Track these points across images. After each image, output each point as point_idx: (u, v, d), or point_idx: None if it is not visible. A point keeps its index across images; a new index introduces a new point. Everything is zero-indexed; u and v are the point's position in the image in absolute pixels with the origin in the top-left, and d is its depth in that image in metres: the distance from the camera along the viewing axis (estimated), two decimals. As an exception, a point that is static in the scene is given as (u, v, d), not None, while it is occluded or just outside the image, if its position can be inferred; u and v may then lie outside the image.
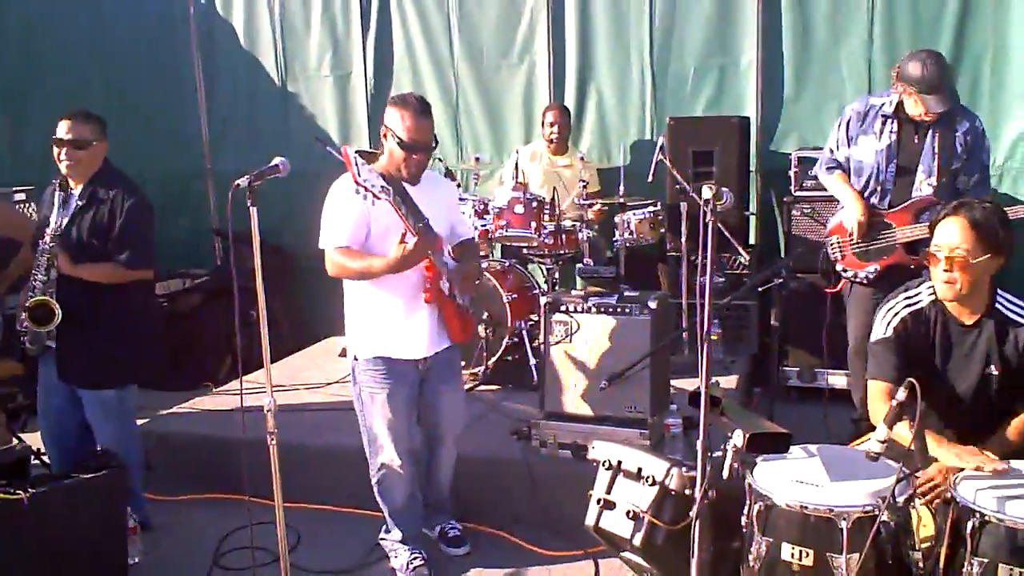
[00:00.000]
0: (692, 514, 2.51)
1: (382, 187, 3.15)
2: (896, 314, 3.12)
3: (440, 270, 3.41)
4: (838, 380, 5.20)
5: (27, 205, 5.98)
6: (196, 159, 7.24)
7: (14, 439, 4.28)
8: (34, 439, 4.29)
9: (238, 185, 2.85)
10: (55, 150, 3.82)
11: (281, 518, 2.99)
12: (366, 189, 3.12)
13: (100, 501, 3.69)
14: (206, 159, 7.24)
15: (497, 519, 4.07)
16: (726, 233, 4.87)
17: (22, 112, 7.27)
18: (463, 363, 5.11)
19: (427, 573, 3.67)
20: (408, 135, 3.28)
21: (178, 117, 7.24)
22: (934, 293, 3.06)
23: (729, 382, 5.07)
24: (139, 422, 4.82)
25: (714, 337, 5.40)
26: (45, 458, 4.18)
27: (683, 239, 5.34)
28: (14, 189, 6.12)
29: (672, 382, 4.43)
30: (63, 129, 3.82)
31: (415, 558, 3.69)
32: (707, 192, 2.59)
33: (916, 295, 3.13)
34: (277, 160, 2.98)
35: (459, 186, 5.81)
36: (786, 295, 5.37)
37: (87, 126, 3.86)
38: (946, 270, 2.93)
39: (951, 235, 2.93)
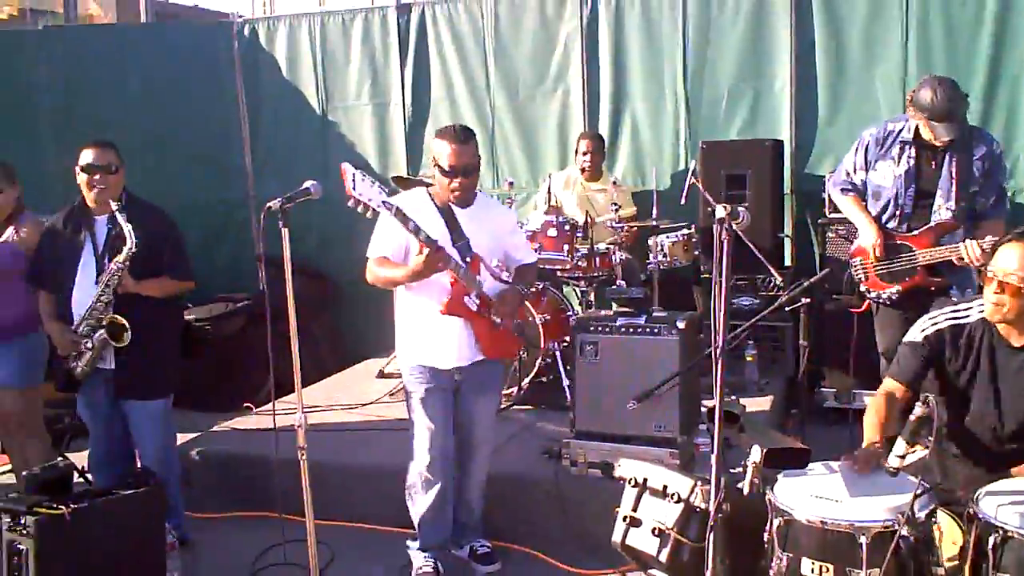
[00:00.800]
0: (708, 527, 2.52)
1: (383, 202, 3.26)
2: (936, 324, 3.11)
3: (466, 286, 3.53)
4: (875, 402, 5.15)
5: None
6: (240, 188, 7.42)
7: (59, 458, 4.43)
8: (79, 458, 4.42)
9: (270, 208, 2.95)
10: (84, 176, 3.94)
11: (312, 533, 3.06)
12: (359, 202, 3.24)
13: (140, 517, 3.78)
14: (249, 187, 7.42)
15: (528, 538, 4.09)
16: (758, 254, 4.88)
17: (71, 143, 7.48)
18: (499, 383, 5.25)
19: None
20: (448, 161, 3.49)
21: (223, 147, 7.44)
22: (983, 311, 3.06)
23: (763, 403, 5.05)
24: (180, 441, 4.96)
25: (749, 358, 5.41)
26: (89, 476, 4.30)
27: (719, 255, 5.34)
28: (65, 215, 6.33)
29: (704, 402, 4.44)
30: (92, 156, 3.95)
31: (426, 564, 3.76)
32: (721, 211, 2.64)
33: (965, 310, 3.12)
34: (308, 183, 3.09)
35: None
36: (821, 316, 5.38)
37: (111, 152, 4.01)
38: (996, 292, 2.92)
39: (1009, 260, 2.91)
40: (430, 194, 3.62)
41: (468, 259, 3.57)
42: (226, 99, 7.37)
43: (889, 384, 3.07)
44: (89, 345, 3.88)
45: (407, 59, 6.85)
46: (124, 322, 3.85)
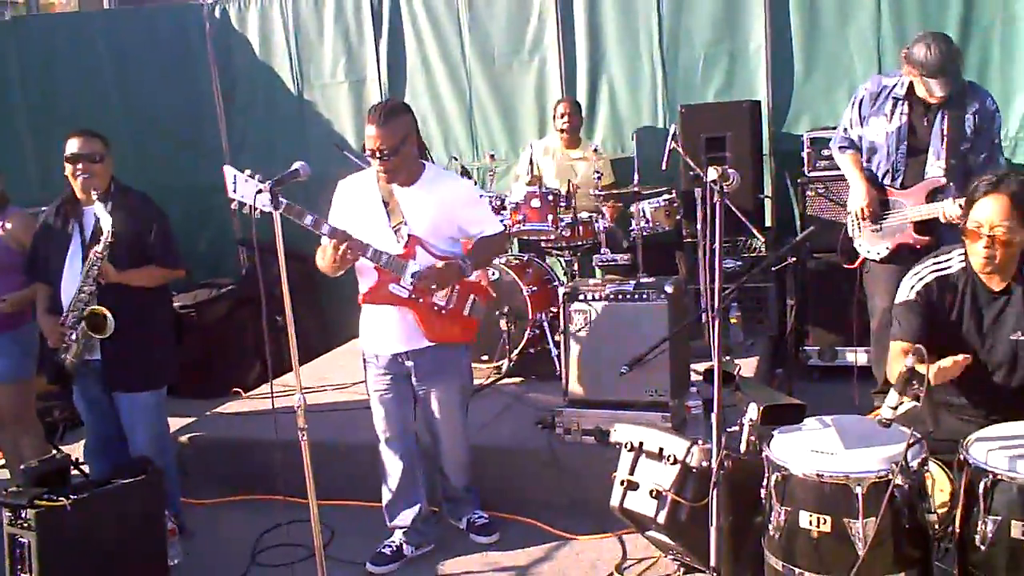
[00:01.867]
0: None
1: (271, 200, 3.17)
2: (921, 279, 3.15)
3: (391, 272, 3.51)
4: (861, 357, 5.21)
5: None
6: (218, 172, 7.31)
7: (54, 450, 4.44)
8: (73, 450, 4.43)
9: (260, 191, 2.93)
10: (69, 167, 3.91)
11: (315, 513, 3.08)
12: (243, 204, 3.22)
13: (139, 505, 3.79)
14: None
15: (525, 507, 4.13)
16: (740, 216, 4.92)
17: (48, 133, 7.42)
18: (486, 357, 5.28)
19: (387, 559, 3.80)
20: (368, 144, 3.45)
21: (199, 131, 7.36)
22: (964, 260, 3.09)
23: (749, 364, 5.10)
24: (171, 429, 4.96)
25: (733, 320, 5.46)
26: (84, 468, 4.31)
27: (699, 225, 5.38)
28: (42, 209, 6.27)
29: (693, 366, 4.49)
30: (76, 145, 3.91)
31: (388, 544, 3.83)
32: (713, 173, 2.66)
33: (946, 260, 3.16)
34: (297, 165, 3.07)
35: (476, 183, 5.88)
36: (804, 275, 5.43)
37: (97, 140, 3.96)
38: (987, 247, 2.94)
39: (992, 212, 2.92)
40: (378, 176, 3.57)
41: (404, 243, 3.53)
42: (200, 82, 7.28)
43: (897, 347, 3.10)
44: (73, 337, 3.85)
45: (381, 34, 6.79)
46: (105, 312, 3.79)
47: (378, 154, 3.42)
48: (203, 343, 6.33)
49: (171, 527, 3.99)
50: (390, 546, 3.82)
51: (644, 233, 5.51)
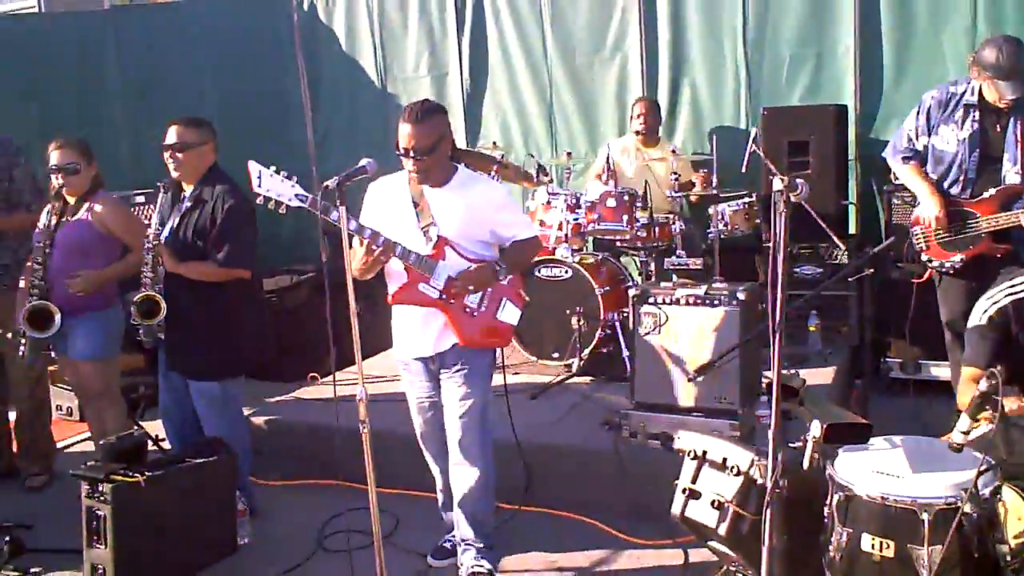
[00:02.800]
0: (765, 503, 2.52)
1: (296, 195, 3.22)
2: (995, 303, 3.06)
3: (421, 273, 3.42)
4: (943, 372, 5.05)
5: (146, 207, 6.37)
6: (302, 162, 7.49)
7: (135, 426, 4.60)
8: (154, 427, 4.59)
9: (327, 187, 2.98)
10: (165, 154, 4.05)
11: (375, 502, 3.12)
12: (269, 199, 3.23)
13: (211, 484, 3.93)
14: (311, 161, 7.51)
15: (587, 508, 4.13)
16: (822, 223, 4.80)
17: (142, 120, 7.70)
18: (556, 355, 5.28)
19: (447, 553, 3.82)
20: (401, 142, 3.36)
21: (285, 121, 7.53)
22: None
23: (826, 374, 4.99)
24: (250, 410, 5.09)
25: (812, 328, 5.34)
26: (164, 444, 4.47)
27: (780, 228, 5.26)
28: (135, 192, 6.53)
29: (766, 373, 4.41)
30: (171, 135, 4.05)
31: (445, 540, 3.86)
32: (778, 183, 2.60)
33: (1021, 284, 3.05)
34: (364, 161, 3.10)
35: (550, 181, 5.88)
36: (886, 285, 5.27)
37: (193, 130, 4.07)
38: None
39: None
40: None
41: (433, 244, 3.44)
42: (288, 74, 7.45)
43: (968, 372, 3.02)
44: (134, 320, 4.01)
45: (464, 29, 6.83)
46: (157, 298, 3.96)
47: (412, 153, 3.33)
48: (283, 328, 6.46)
49: (241, 507, 4.11)
50: (451, 540, 3.84)
51: (722, 236, 5.44)
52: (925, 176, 4.19)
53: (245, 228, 4.08)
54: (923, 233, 4.19)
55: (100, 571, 3.58)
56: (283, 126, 7.53)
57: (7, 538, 3.91)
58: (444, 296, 3.45)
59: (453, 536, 3.82)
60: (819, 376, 4.93)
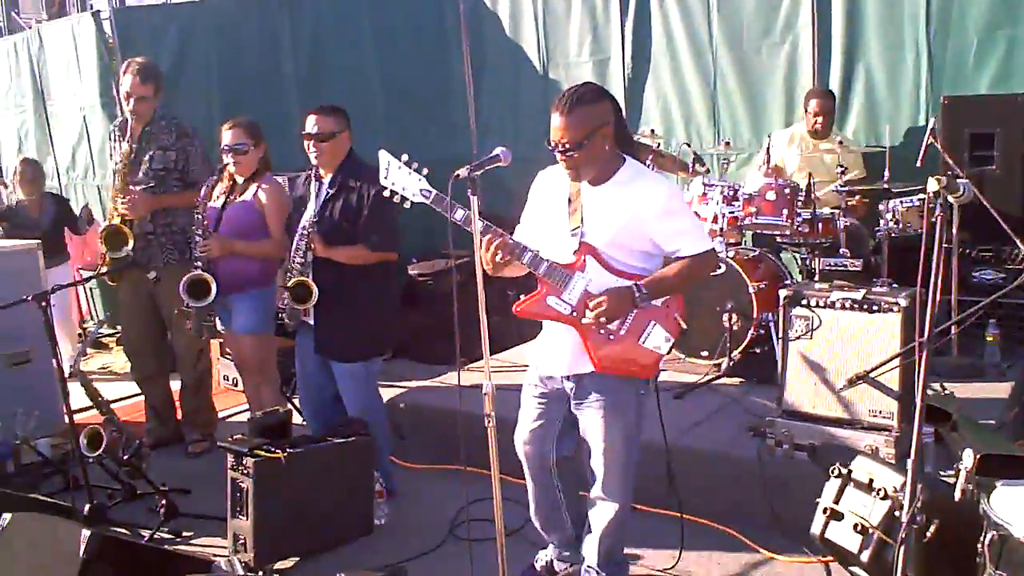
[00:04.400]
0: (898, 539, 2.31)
1: (422, 191, 3.09)
2: None
3: (552, 284, 3.11)
4: None
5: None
6: (464, 146, 7.57)
7: (288, 402, 4.79)
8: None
9: (458, 175, 2.93)
10: (306, 143, 4.15)
11: (498, 496, 3.09)
12: (392, 192, 3.15)
13: (350, 464, 4.03)
14: (473, 145, 7.56)
15: (726, 517, 3.97)
16: (1004, 224, 4.39)
17: (314, 104, 7.97)
18: (705, 353, 5.09)
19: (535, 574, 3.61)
20: (550, 135, 3.06)
21: (448, 106, 7.63)
22: None
23: (1003, 389, 4.59)
24: (396, 392, 5.20)
25: (990, 339, 4.93)
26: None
27: (955, 229, 4.87)
28: (297, 175, 6.78)
29: (933, 386, 4.10)
30: (310, 124, 4.14)
31: (537, 559, 3.65)
32: (933, 184, 2.36)
33: None
34: (498, 150, 3.01)
35: (707, 171, 5.66)
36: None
37: (330, 119, 4.15)
38: None
39: None
40: None
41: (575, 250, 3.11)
42: (452, 59, 7.54)
43: None
44: (285, 302, 4.12)
45: (628, 14, 6.67)
46: (309, 283, 4.04)
47: (559, 147, 3.00)
48: (437, 312, 6.57)
49: (379, 488, 4.20)
50: (543, 560, 3.66)
51: (892, 234, 5.09)
52: None
53: (391, 212, 4.04)
54: None
55: (241, 540, 3.74)
56: (446, 110, 7.63)
57: (163, 501, 4.16)
58: (576, 313, 3.08)
59: (547, 555, 3.64)
60: (995, 391, 4.55)
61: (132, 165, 4.93)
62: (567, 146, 2.98)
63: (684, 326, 3.12)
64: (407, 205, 3.24)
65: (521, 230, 3.30)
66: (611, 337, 3.09)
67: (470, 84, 7.52)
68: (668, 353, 3.19)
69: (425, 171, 3.19)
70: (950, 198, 2.42)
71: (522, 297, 3.22)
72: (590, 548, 3.43)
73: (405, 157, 3.20)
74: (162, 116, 5.03)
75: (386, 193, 3.27)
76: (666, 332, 3.12)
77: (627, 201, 3.06)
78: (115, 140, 5.08)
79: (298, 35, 7.52)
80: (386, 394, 4.81)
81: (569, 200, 3.13)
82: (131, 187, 4.88)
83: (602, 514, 3.33)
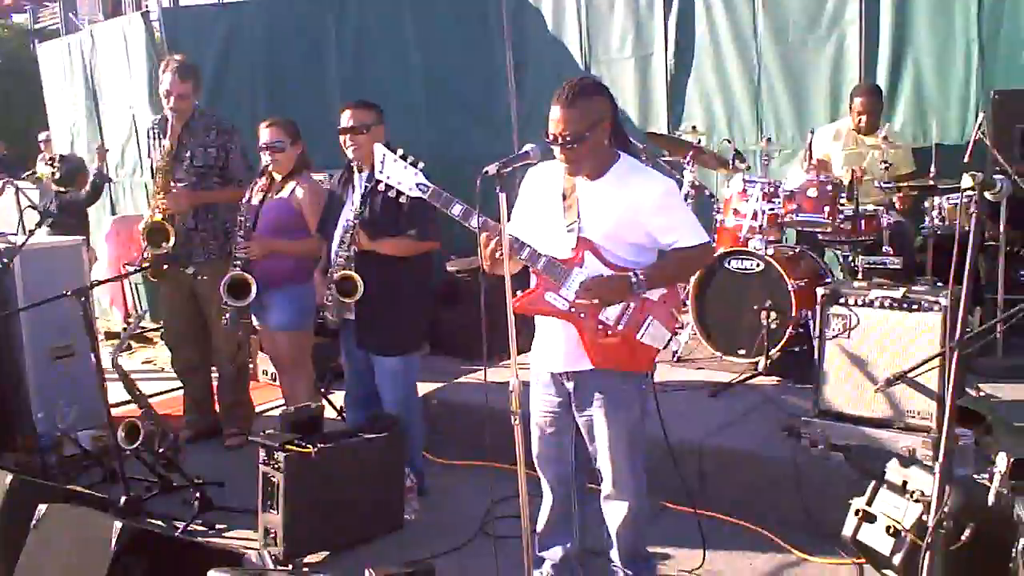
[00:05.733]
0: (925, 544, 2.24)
1: (418, 185, 3.03)
2: None
3: (550, 279, 3.07)
4: None
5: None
6: (506, 143, 7.54)
7: (322, 397, 4.82)
8: (340, 398, 4.78)
9: (487, 172, 2.90)
10: (342, 138, 4.16)
11: (524, 491, 3.07)
12: (387, 186, 3.09)
13: (381, 459, 4.03)
14: (515, 142, 7.54)
15: (760, 517, 3.90)
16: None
17: (354, 98, 8.02)
18: (742, 352, 5.00)
19: None
20: (550, 127, 3.01)
21: (490, 104, 7.60)
22: None
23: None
24: (432, 387, 5.20)
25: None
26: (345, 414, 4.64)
27: (1001, 227, 4.74)
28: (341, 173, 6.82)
29: (981, 387, 4.00)
30: (345, 118, 4.16)
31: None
32: (967, 181, 2.29)
33: None
34: (528, 147, 2.99)
35: (747, 168, 5.57)
36: None
37: (365, 112, 4.17)
38: None
39: None
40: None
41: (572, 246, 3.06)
42: (495, 57, 7.52)
43: None
44: (329, 298, 4.14)
45: (671, 9, 6.59)
46: (355, 277, 4.04)
47: (559, 140, 2.96)
48: (474, 308, 6.55)
49: (410, 483, 4.20)
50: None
51: (938, 232, 4.96)
52: None
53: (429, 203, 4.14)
54: None
55: (272, 534, 3.78)
56: (488, 107, 7.61)
57: (197, 494, 4.22)
58: (574, 309, 3.07)
59: (541, 573, 3.51)
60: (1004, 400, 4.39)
61: (174, 162, 5.00)
62: (569, 138, 2.96)
63: (680, 321, 3.09)
64: (403, 200, 3.18)
65: (512, 227, 3.18)
66: (608, 332, 3.07)
67: (512, 81, 7.50)
68: (665, 347, 3.17)
69: (421, 164, 3.11)
70: (987, 195, 2.32)
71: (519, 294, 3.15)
72: (614, 552, 3.39)
73: (400, 151, 3.12)
74: (202, 113, 5.09)
75: (380, 187, 3.21)
76: (663, 326, 3.11)
77: (624, 195, 3.04)
78: (154, 137, 5.15)
79: (341, 35, 7.57)
80: (421, 389, 4.82)
81: (564, 195, 3.11)
82: (173, 183, 4.95)
83: (616, 512, 3.30)
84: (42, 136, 10.34)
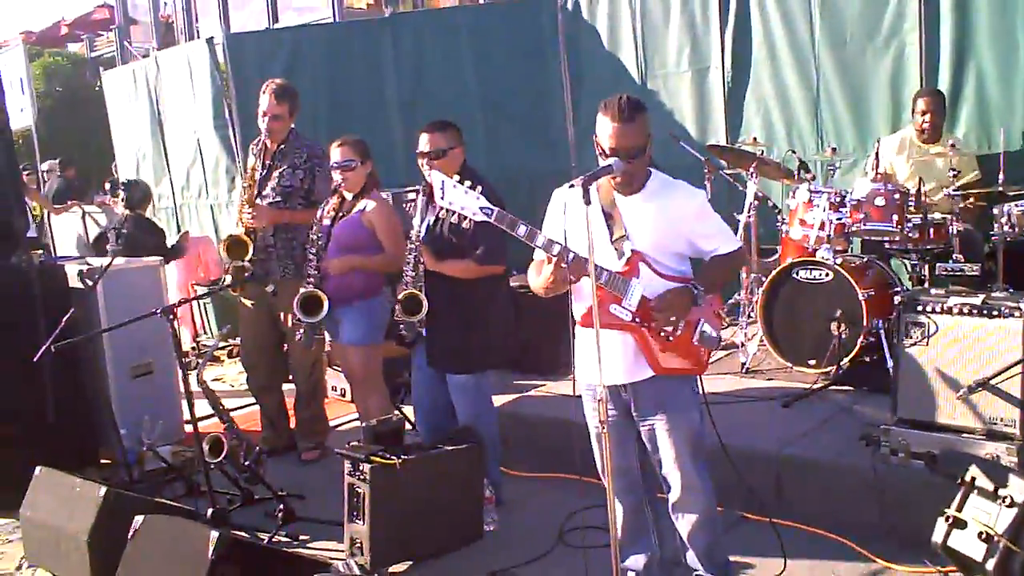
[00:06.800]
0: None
1: (482, 208, 3.03)
2: None
3: (612, 293, 3.11)
4: None
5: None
6: (563, 159, 7.64)
7: (396, 411, 4.90)
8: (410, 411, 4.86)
9: (572, 186, 2.97)
10: (420, 161, 4.25)
11: (612, 503, 3.11)
12: (452, 212, 3.08)
13: (461, 471, 4.11)
14: (572, 158, 7.62)
15: (841, 527, 3.89)
16: None
17: (414, 120, 8.18)
18: (812, 362, 5.00)
19: None
20: (609, 142, 3.07)
21: (547, 120, 7.71)
22: None
23: None
24: (505, 399, 5.27)
25: None
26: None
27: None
28: (407, 189, 6.94)
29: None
30: (423, 142, 4.25)
31: None
32: None
33: None
34: (610, 161, 3.05)
35: (813, 178, 5.58)
36: None
37: (443, 135, 4.25)
38: None
39: None
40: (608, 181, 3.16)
41: (626, 259, 3.13)
42: (551, 73, 7.62)
43: None
44: (398, 316, 4.23)
45: (728, 23, 6.64)
46: (419, 295, 4.13)
47: (625, 153, 3.04)
48: (541, 322, 6.62)
49: (488, 495, 4.27)
50: None
51: (1007, 239, 4.92)
52: None
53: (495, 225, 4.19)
54: None
55: (357, 544, 3.86)
56: (544, 124, 7.71)
57: (281, 506, 4.32)
58: (638, 319, 3.16)
59: None
60: None
61: (262, 180, 5.13)
62: (632, 152, 3.06)
63: (725, 322, 3.23)
64: (466, 225, 3.19)
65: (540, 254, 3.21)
66: (669, 339, 3.18)
67: (568, 97, 7.59)
68: (717, 347, 3.36)
69: (479, 188, 3.10)
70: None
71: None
72: (692, 556, 3.43)
73: (456, 177, 3.12)
74: (297, 136, 5.23)
75: (442, 214, 3.28)
76: (713, 328, 3.26)
77: (665, 208, 3.17)
78: (256, 156, 5.25)
79: (399, 56, 7.73)
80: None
81: (607, 213, 3.18)
82: (257, 200, 5.09)
83: (687, 517, 3.34)
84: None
